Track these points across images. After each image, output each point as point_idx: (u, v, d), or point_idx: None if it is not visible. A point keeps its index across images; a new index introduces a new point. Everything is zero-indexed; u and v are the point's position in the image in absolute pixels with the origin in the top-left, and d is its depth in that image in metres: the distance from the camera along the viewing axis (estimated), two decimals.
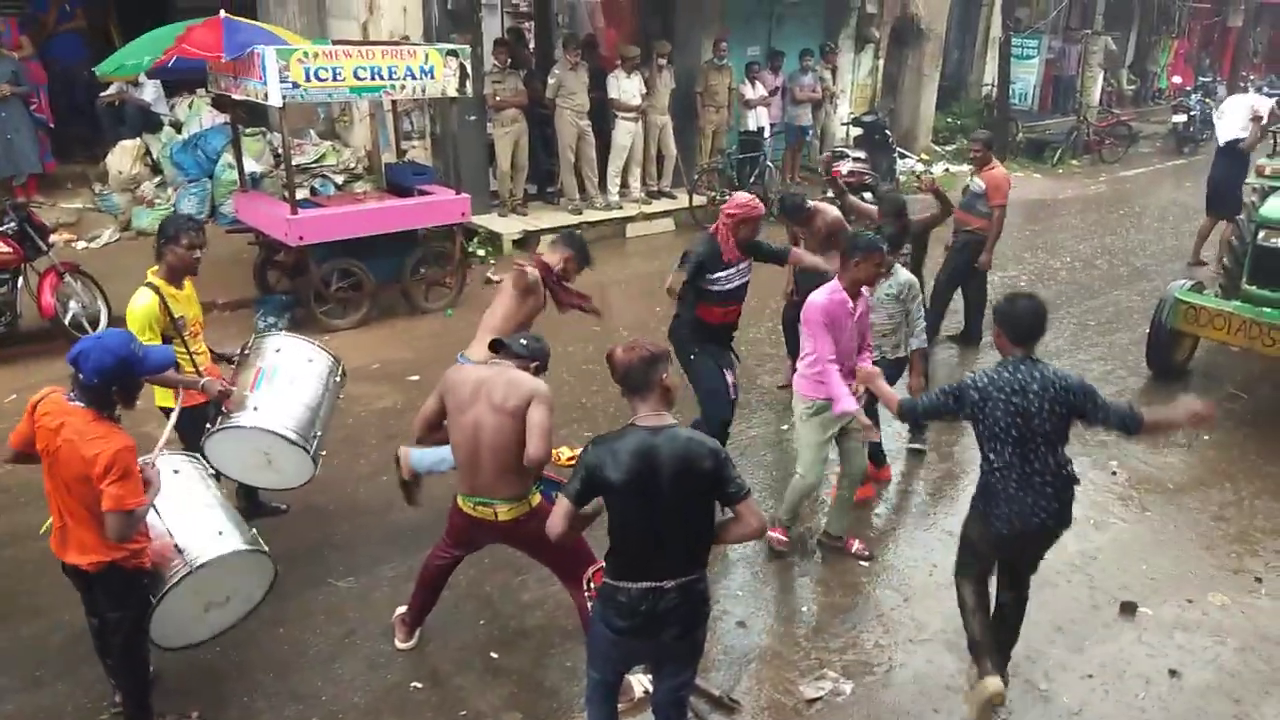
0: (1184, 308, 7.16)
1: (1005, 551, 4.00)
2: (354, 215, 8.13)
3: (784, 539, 5.22)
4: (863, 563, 5.17)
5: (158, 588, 3.62)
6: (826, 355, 4.70)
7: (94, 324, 7.30)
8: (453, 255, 8.79)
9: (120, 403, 3.40)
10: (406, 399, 6.77)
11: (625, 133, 11.22)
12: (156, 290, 4.47)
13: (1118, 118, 18.15)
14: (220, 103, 9.47)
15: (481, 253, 10.11)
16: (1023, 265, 10.58)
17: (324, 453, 4.71)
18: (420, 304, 8.63)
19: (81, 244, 9.29)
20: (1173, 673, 4.44)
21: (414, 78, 7.73)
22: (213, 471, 4.25)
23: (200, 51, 7.25)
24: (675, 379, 3.24)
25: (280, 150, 8.85)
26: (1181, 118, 17.94)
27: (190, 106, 10.36)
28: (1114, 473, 6.21)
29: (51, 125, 10.07)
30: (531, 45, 12.11)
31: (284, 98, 7.09)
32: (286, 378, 4.60)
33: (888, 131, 13.36)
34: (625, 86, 11.00)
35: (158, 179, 9.91)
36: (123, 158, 9.87)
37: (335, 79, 7.32)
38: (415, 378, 7.17)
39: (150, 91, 10.30)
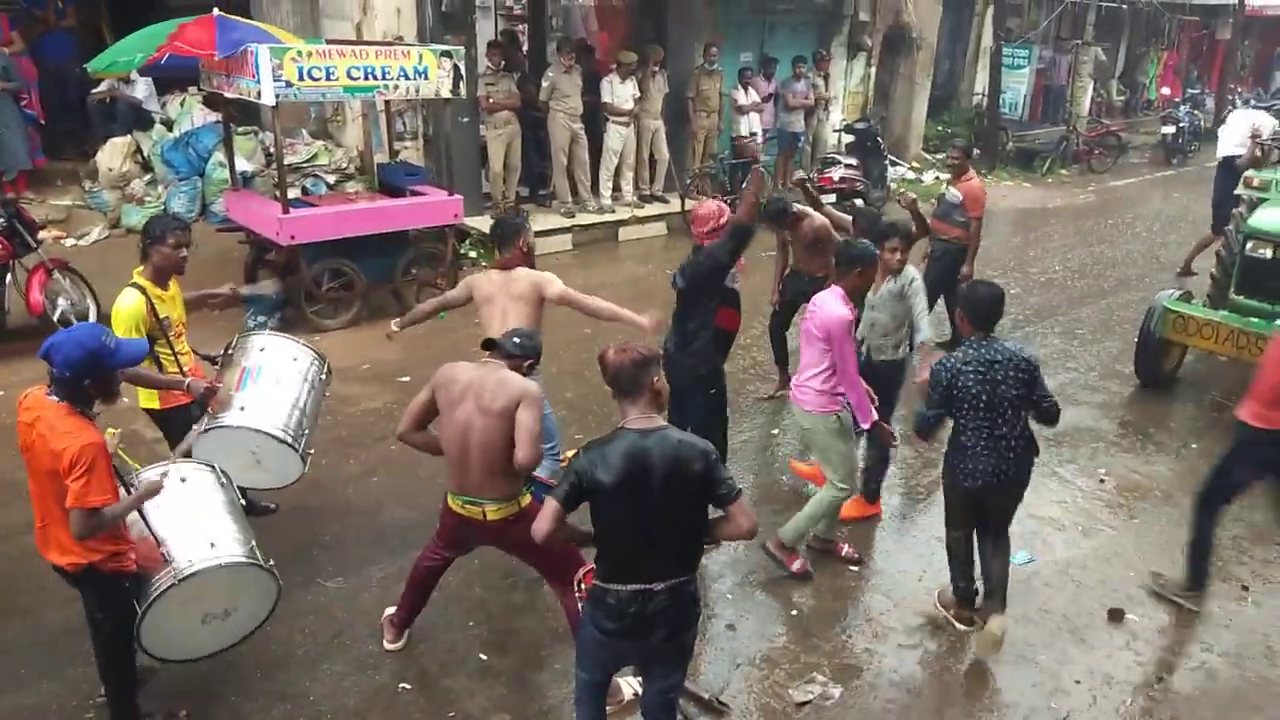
0: (1172, 317, 7.20)
1: (974, 503, 4.42)
2: (346, 215, 8.12)
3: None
4: (852, 567, 5.18)
5: (144, 595, 3.56)
6: (853, 368, 4.72)
7: (83, 321, 7.25)
8: (445, 256, 8.78)
9: (98, 397, 3.37)
10: (396, 400, 6.75)
11: (617, 137, 11.24)
12: (143, 291, 4.44)
13: (1107, 128, 18.29)
14: (212, 101, 9.43)
15: (474, 254, 10.10)
16: (1010, 274, 10.62)
17: (312, 451, 4.69)
18: (412, 305, 8.53)
19: (70, 241, 9.22)
20: (1160, 679, 4.47)
21: (407, 78, 7.72)
22: (225, 480, 4.11)
23: (193, 49, 7.24)
24: (665, 384, 3.24)
25: (272, 149, 8.81)
26: (1170, 129, 18.05)
27: (182, 104, 10.30)
28: (1102, 480, 6.25)
29: (42, 121, 10.02)
30: (525, 48, 12.12)
31: (277, 96, 7.07)
32: (272, 377, 4.59)
33: (879, 139, 13.42)
34: (619, 91, 11.02)
35: (148, 177, 9.85)
36: (113, 155, 9.81)
37: (329, 78, 7.31)
38: (405, 379, 7.16)
39: (142, 89, 10.25)
